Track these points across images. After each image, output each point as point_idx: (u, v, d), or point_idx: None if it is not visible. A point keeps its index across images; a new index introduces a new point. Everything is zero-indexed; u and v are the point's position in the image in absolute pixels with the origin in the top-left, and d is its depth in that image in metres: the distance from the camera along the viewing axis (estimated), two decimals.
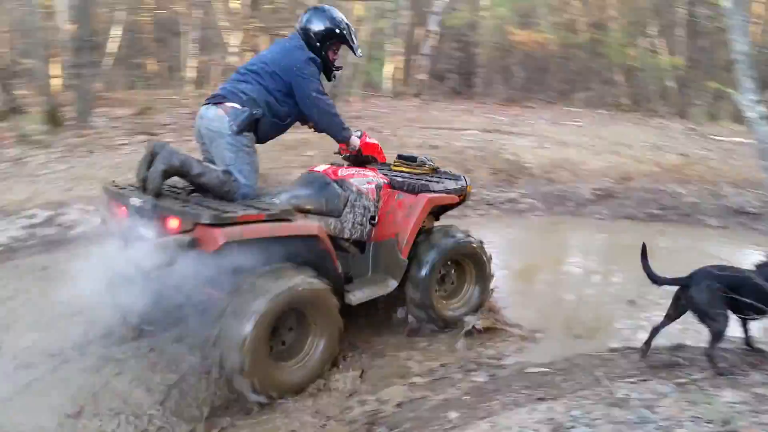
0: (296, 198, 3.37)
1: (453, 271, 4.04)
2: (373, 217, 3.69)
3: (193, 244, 2.75)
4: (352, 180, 3.64)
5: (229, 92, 3.32)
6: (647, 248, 3.17)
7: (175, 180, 3.16)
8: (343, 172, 3.68)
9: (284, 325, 3.10)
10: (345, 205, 3.54)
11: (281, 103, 3.36)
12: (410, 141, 9.80)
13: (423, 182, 3.89)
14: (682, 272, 3.07)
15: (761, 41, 14.73)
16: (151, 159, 3.00)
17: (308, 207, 3.37)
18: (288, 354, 3.13)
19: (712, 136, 11.56)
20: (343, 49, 3.65)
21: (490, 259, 4.09)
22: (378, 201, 3.74)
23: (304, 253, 3.14)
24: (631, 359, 3.36)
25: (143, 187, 3.00)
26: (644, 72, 15.56)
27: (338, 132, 3.57)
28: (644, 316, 4.28)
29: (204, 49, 13.36)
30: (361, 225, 3.63)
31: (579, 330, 4.10)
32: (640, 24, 16.23)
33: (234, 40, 10.75)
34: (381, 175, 3.86)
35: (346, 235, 3.58)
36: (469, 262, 4.02)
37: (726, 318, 2.93)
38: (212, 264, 2.74)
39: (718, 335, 3.00)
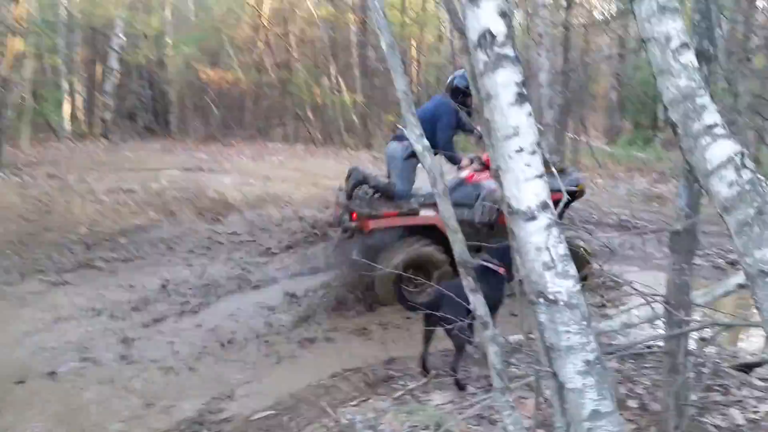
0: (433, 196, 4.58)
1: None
2: (499, 208, 4.81)
3: (359, 229, 4.79)
4: (483, 182, 5.06)
5: (403, 132, 4.36)
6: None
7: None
8: (478, 176, 5.13)
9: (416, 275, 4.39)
10: (476, 199, 5.03)
11: (433, 138, 4.50)
12: (100, 186, 8.82)
13: None
14: None
15: (419, 80, 17.29)
16: (348, 176, 5.06)
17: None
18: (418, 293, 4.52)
19: None
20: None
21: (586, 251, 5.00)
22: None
23: (428, 232, 4.83)
24: (351, 381, 3.46)
25: (347, 194, 5.02)
26: (330, 108, 16.87)
27: (453, 161, 5.21)
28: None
29: None
30: (489, 212, 5.04)
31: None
32: (321, 65, 17.61)
33: None
34: None
35: (477, 220, 5.04)
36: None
37: (469, 331, 3.13)
38: (369, 239, 4.80)
39: (462, 348, 3.27)
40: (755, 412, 3.06)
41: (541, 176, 1.41)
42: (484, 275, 3.41)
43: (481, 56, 1.40)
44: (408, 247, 4.78)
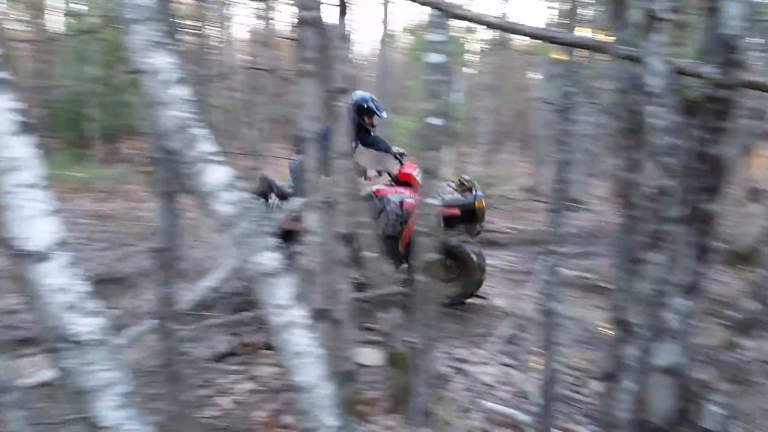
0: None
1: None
2: (403, 221, 5.27)
3: None
4: (389, 195, 5.33)
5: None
6: None
7: None
8: (385, 190, 5.39)
9: None
10: (381, 212, 5.26)
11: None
12: None
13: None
14: None
15: None
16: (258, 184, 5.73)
17: None
18: None
19: None
20: None
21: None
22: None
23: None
24: None
25: None
26: None
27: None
28: None
29: None
30: (394, 225, 5.26)
31: None
32: None
33: None
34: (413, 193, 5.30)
35: (381, 233, 5.09)
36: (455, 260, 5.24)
37: None
38: None
39: None
40: (239, 394, 3.54)
41: (53, 212, 1.29)
42: None
43: None
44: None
